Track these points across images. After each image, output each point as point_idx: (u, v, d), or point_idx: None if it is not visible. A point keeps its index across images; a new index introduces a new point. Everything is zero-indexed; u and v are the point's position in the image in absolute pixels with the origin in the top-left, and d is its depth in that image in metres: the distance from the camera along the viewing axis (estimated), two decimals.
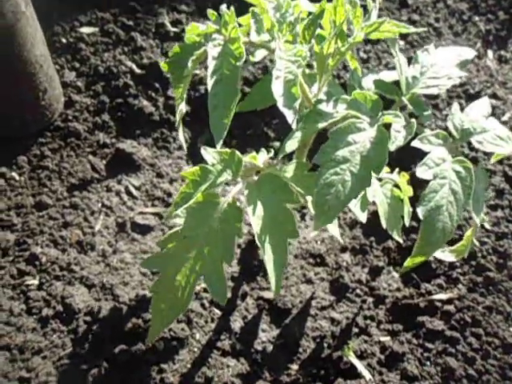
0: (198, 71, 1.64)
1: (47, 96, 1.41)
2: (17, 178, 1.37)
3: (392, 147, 0.62)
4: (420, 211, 0.59)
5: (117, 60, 1.60)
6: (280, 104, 0.61)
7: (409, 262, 0.66)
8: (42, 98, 1.39)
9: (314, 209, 0.61)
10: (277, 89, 0.61)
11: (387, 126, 0.65)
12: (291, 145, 0.66)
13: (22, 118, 1.40)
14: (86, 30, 1.65)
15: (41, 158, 1.41)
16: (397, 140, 0.62)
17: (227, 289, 0.70)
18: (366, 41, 1.94)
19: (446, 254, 0.77)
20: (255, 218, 0.65)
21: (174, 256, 0.66)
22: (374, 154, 0.60)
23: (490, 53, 1.95)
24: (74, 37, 1.64)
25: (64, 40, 1.64)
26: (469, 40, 1.95)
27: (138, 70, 1.59)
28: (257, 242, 0.64)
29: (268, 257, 0.64)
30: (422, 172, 0.60)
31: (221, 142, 0.63)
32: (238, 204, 0.69)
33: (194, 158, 1.51)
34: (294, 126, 0.61)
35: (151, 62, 1.60)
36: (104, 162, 1.45)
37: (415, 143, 0.63)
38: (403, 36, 1.95)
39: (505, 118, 1.61)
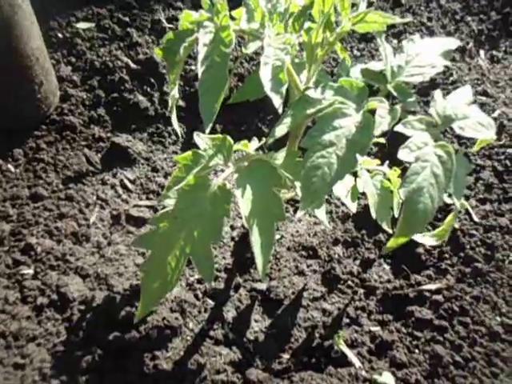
0: (193, 67, 1.66)
1: (43, 89, 1.42)
2: (12, 169, 1.38)
3: (377, 132, 0.64)
4: (402, 192, 0.61)
5: (113, 55, 1.62)
6: (267, 89, 0.63)
7: (392, 243, 0.68)
8: (38, 91, 1.41)
9: (301, 191, 0.63)
10: (265, 74, 0.63)
11: (373, 113, 0.68)
12: (280, 130, 0.68)
13: (18, 110, 1.42)
14: (82, 25, 1.67)
15: (36, 151, 1.42)
16: (381, 125, 0.64)
17: (214, 270, 0.71)
18: (360, 39, 1.97)
19: (427, 239, 0.79)
20: (244, 201, 0.67)
21: (165, 236, 0.68)
22: (359, 138, 0.63)
23: (482, 52, 1.99)
24: (70, 32, 1.66)
25: (60, 35, 1.66)
26: (461, 39, 1.98)
27: (133, 66, 1.61)
28: (245, 223, 0.66)
29: (255, 239, 0.66)
30: (404, 154, 0.62)
31: (210, 126, 0.65)
32: (227, 187, 0.71)
33: None
34: (280, 110, 0.63)
35: (147, 57, 1.62)
36: (99, 155, 1.47)
37: (398, 127, 0.65)
38: (396, 35, 1.98)
39: (495, 115, 1.64)
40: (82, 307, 1.12)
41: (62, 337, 1.07)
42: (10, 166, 1.39)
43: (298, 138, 0.95)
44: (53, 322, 1.09)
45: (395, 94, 0.71)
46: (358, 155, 0.62)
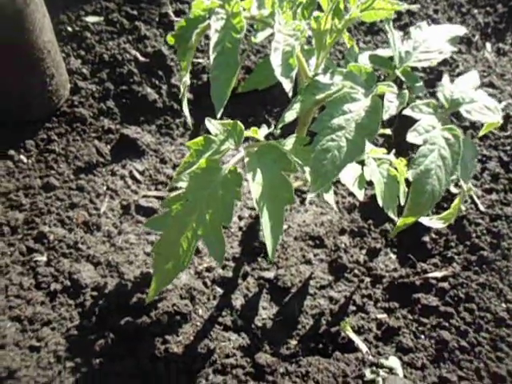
0: (200, 60, 1.68)
1: (54, 82, 1.44)
2: (25, 160, 1.41)
3: (385, 116, 0.65)
4: (410, 174, 0.63)
5: (121, 48, 1.64)
6: (278, 73, 0.64)
7: (400, 223, 0.70)
8: (49, 84, 1.43)
9: (311, 173, 0.64)
10: (275, 60, 0.65)
11: (381, 97, 0.69)
12: (290, 116, 0.70)
13: (30, 102, 1.44)
14: (91, 19, 1.69)
15: (48, 142, 1.45)
16: (390, 109, 0.65)
17: (225, 252, 0.73)
18: (367, 32, 1.98)
19: (434, 221, 0.81)
20: (255, 185, 0.68)
21: (177, 218, 0.70)
22: (367, 122, 0.64)
23: (488, 45, 1.98)
24: (79, 25, 1.68)
25: (70, 29, 1.68)
26: (467, 32, 1.98)
27: (141, 58, 1.63)
28: (255, 207, 0.67)
29: (265, 222, 0.68)
30: (412, 137, 0.63)
31: (221, 110, 0.67)
32: (238, 170, 0.72)
33: None
34: (290, 94, 0.64)
35: (155, 50, 1.64)
36: (109, 146, 1.49)
37: (407, 111, 0.66)
38: (402, 27, 1.98)
39: (501, 106, 1.64)
40: (94, 293, 1.14)
41: (75, 321, 1.09)
42: (22, 156, 1.41)
43: (306, 126, 0.96)
44: (66, 308, 1.12)
45: (403, 78, 0.73)
46: (366, 140, 0.64)
